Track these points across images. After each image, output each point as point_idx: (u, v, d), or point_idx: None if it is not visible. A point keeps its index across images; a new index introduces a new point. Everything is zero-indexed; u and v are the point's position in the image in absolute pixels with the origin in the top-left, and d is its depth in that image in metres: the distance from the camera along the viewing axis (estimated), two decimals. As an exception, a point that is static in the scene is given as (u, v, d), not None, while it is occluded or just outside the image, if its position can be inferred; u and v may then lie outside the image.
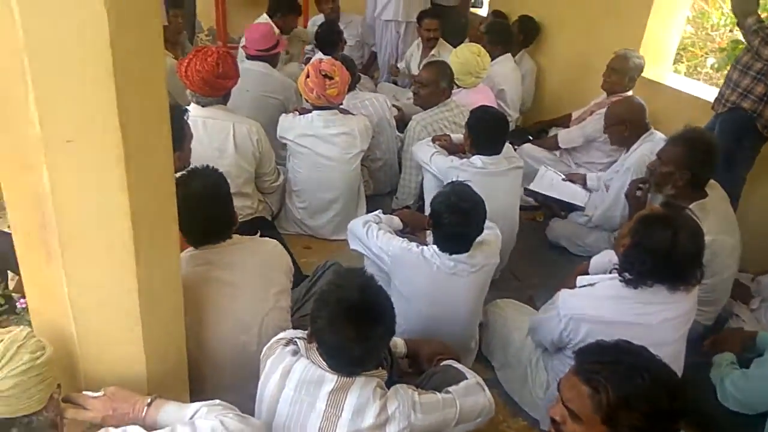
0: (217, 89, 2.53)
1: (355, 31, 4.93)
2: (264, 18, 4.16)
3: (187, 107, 2.22)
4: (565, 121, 3.99)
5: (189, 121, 2.23)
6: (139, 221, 1.15)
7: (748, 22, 2.63)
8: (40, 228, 1.14)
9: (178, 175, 1.55)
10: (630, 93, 3.46)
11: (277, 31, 3.74)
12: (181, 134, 1.96)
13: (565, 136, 3.65)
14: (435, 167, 2.75)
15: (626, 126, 2.94)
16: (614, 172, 3.05)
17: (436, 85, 3.16)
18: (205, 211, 1.60)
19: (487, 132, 2.63)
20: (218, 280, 1.63)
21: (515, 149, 3.71)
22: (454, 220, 1.90)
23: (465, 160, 2.68)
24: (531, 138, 4.04)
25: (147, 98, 1.14)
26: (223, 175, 1.70)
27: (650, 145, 2.84)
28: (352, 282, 1.34)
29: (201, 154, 2.35)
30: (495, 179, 2.62)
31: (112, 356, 1.28)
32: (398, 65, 4.79)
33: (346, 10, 4.90)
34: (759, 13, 2.64)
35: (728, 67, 2.97)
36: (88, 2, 0.98)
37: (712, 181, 2.36)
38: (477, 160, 2.62)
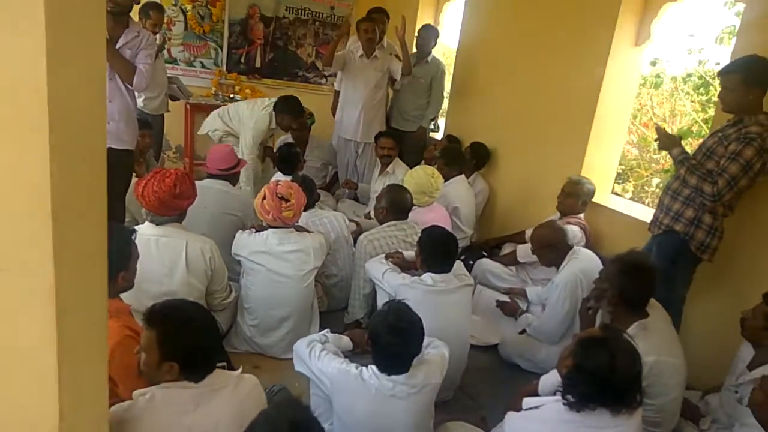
0: (172, 209, 2.59)
1: (321, 154, 5.21)
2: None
3: (135, 228, 2.25)
4: (517, 238, 4.14)
5: (141, 240, 2.25)
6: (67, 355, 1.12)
7: (674, 153, 2.86)
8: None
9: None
10: (582, 215, 3.67)
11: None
12: (126, 255, 1.98)
13: (523, 251, 3.77)
14: (387, 284, 2.78)
15: (550, 248, 3.10)
16: (547, 292, 3.16)
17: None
18: (199, 338, 1.58)
19: (437, 250, 2.71)
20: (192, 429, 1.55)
21: (472, 264, 3.85)
22: (391, 340, 1.92)
23: (416, 277, 2.73)
24: (485, 254, 4.16)
25: (84, 233, 1.17)
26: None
27: (577, 263, 3.01)
28: (284, 418, 1.31)
29: (149, 273, 2.35)
30: (445, 297, 2.66)
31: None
32: (357, 182, 5.02)
33: (316, 134, 5.20)
34: (682, 144, 2.89)
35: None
36: (31, 141, 1.03)
37: (653, 301, 2.45)
38: (428, 277, 2.68)
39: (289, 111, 4.40)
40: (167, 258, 2.55)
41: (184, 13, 5.69)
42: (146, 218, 2.61)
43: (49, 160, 1.04)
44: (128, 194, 3.25)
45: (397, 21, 4.79)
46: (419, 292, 2.62)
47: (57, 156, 1.03)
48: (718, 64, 5.70)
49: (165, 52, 5.40)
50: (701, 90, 6.16)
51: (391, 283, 2.76)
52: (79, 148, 1.14)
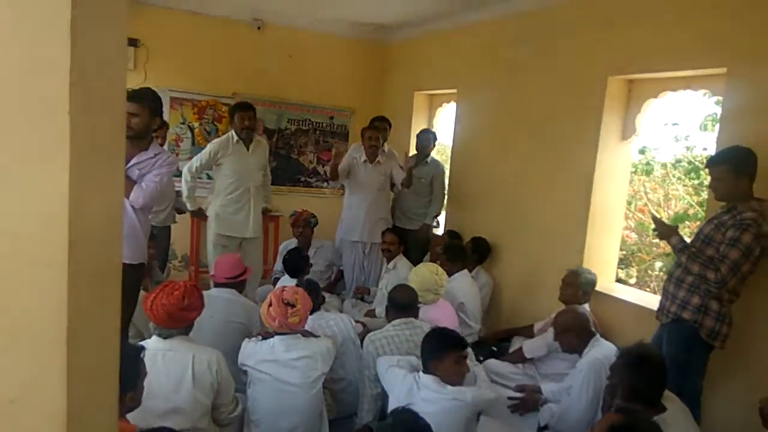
0: (180, 321, 2.60)
1: (325, 255, 5.30)
2: None
3: (144, 345, 2.25)
4: (526, 332, 4.10)
5: (148, 355, 2.24)
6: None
7: (672, 242, 2.91)
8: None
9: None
10: (587, 305, 3.66)
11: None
12: (135, 374, 1.97)
13: (529, 346, 3.74)
14: (385, 382, 2.81)
15: (573, 333, 3.07)
16: (571, 379, 3.09)
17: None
18: None
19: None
20: None
21: (482, 360, 3.78)
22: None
23: (414, 377, 2.71)
24: (494, 349, 4.10)
25: (97, 357, 1.19)
26: None
27: (599, 350, 2.98)
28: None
29: (156, 389, 2.32)
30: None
31: None
32: (369, 287, 5.06)
33: (319, 236, 5.33)
34: (680, 233, 2.95)
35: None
36: (47, 263, 1.08)
37: (669, 393, 2.40)
38: (412, 378, 2.67)
39: (235, 107, 4.68)
40: (173, 372, 2.52)
41: (191, 129, 6.00)
42: (153, 332, 2.61)
43: (67, 292, 1.08)
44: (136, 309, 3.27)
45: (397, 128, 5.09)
46: (396, 392, 2.62)
47: (74, 290, 1.08)
48: (705, 149, 5.92)
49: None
50: (692, 174, 6.34)
51: (388, 382, 2.77)
52: (95, 277, 1.19)
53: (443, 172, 5.51)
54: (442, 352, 2.67)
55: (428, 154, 5.44)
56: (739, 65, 3.02)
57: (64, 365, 1.10)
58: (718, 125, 3.25)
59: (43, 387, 1.10)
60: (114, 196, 1.27)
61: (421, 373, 2.69)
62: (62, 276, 1.08)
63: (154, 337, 2.60)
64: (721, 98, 3.27)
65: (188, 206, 4.79)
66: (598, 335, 3.13)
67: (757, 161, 2.70)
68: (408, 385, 2.64)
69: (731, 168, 2.72)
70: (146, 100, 3.16)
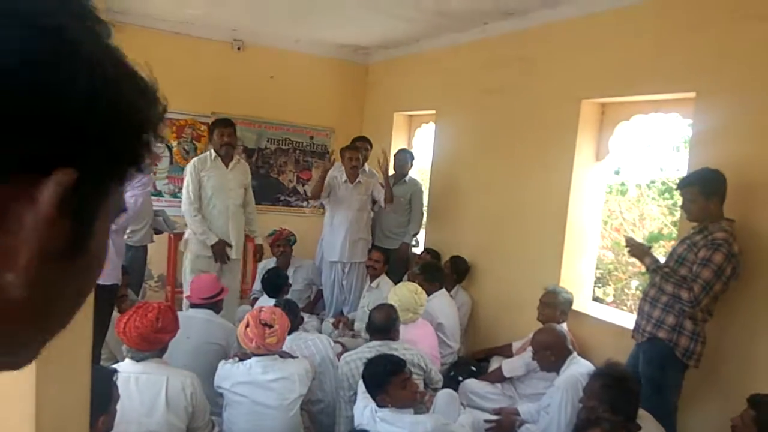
0: (154, 344, 2.56)
1: (305, 274, 5.27)
2: None
3: (116, 368, 2.21)
4: (505, 351, 4.11)
5: (121, 379, 2.20)
6: None
7: (646, 263, 2.96)
8: None
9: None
10: (564, 324, 3.69)
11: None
12: (107, 398, 1.93)
13: (508, 366, 3.75)
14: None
15: (551, 351, 3.10)
16: (549, 397, 3.10)
17: None
18: None
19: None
20: None
21: (461, 380, 3.78)
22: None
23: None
24: (473, 369, 4.10)
25: (67, 384, 1.17)
26: None
27: (576, 367, 3.02)
28: None
29: (129, 412, 2.27)
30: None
31: None
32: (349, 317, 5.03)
33: (298, 255, 5.30)
34: (653, 253, 3.00)
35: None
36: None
37: (643, 412, 2.42)
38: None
39: (214, 123, 4.64)
40: (147, 396, 2.48)
41: (170, 149, 5.96)
42: (126, 355, 2.56)
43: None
44: (110, 330, 3.21)
45: (378, 149, 5.11)
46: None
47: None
48: (678, 170, 6.06)
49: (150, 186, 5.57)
50: (666, 195, 6.48)
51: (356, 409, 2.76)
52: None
53: (421, 191, 5.56)
54: (383, 380, 2.63)
55: (406, 173, 5.49)
56: (709, 90, 3.11)
57: (33, 392, 1.08)
58: (688, 147, 3.34)
59: (10, 414, 1.08)
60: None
61: (374, 406, 2.66)
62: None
63: (127, 360, 2.55)
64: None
65: (208, 242, 4.49)
66: (575, 353, 3.16)
67: (727, 183, 2.77)
68: (366, 419, 2.62)
69: (700, 190, 2.79)
70: None
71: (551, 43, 4.17)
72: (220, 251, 4.47)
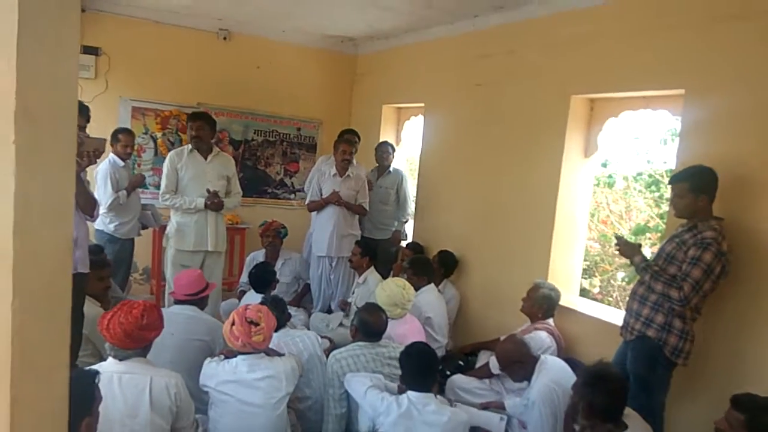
0: (138, 341, 2.51)
1: (293, 268, 5.24)
2: None
3: (98, 370, 2.17)
4: (493, 346, 4.10)
5: (104, 378, 2.16)
6: None
7: (635, 261, 2.95)
8: None
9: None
10: (551, 320, 3.70)
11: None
12: (90, 400, 1.89)
13: (495, 361, 3.73)
14: (368, 405, 2.76)
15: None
16: (523, 406, 3.08)
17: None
18: None
19: (415, 367, 2.74)
20: None
21: (449, 374, 3.78)
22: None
23: (394, 398, 2.69)
24: (461, 363, 4.10)
25: (45, 387, 1.14)
26: None
27: (546, 374, 2.99)
28: None
29: (112, 413, 2.23)
30: (419, 423, 2.61)
31: None
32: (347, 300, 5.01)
33: (286, 247, 5.26)
34: (642, 252, 3.00)
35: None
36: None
37: (630, 411, 2.43)
38: (405, 399, 2.64)
39: (187, 117, 4.66)
40: (130, 396, 2.43)
41: (154, 140, 5.87)
42: (109, 353, 2.52)
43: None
44: (93, 327, 3.15)
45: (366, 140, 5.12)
46: (392, 417, 2.60)
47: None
48: (665, 162, 6.09)
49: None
50: (652, 187, 6.51)
51: (372, 404, 2.73)
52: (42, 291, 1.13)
53: (405, 179, 5.63)
54: (435, 370, 2.74)
55: (389, 165, 5.55)
56: (697, 87, 3.10)
57: (7, 392, 1.04)
58: (677, 140, 3.34)
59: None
60: (64, 227, 1.22)
61: (411, 393, 2.67)
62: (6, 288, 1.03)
63: (109, 359, 2.50)
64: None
65: (198, 205, 4.48)
66: (542, 357, 3.14)
67: (718, 181, 2.76)
68: (401, 409, 2.62)
69: (690, 186, 2.78)
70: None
71: (542, 38, 4.14)
72: (213, 202, 4.48)
